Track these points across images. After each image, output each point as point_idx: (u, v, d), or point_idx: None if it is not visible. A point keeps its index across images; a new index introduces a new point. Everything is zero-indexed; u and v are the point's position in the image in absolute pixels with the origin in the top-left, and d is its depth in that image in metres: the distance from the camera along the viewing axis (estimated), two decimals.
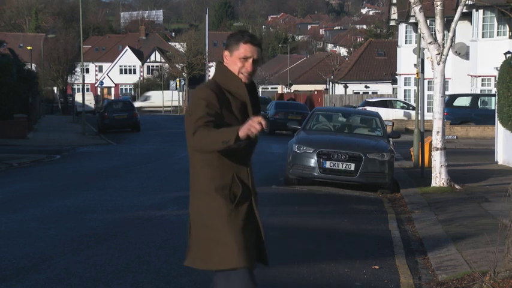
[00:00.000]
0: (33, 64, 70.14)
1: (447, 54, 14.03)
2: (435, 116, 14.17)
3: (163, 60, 36.47)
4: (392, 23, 45.55)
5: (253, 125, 3.80)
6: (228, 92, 4.11)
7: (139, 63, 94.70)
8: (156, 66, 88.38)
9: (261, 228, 4.22)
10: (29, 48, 66.86)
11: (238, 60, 4.10)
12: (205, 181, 4.11)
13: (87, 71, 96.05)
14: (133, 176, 16.48)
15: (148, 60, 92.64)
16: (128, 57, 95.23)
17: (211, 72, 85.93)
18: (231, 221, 4.03)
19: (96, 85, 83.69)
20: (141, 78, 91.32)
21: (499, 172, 16.77)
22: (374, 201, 13.30)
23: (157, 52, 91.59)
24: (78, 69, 64.45)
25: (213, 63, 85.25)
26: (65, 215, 10.53)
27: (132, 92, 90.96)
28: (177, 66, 52.32)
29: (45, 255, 7.74)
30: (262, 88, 72.44)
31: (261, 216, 4.26)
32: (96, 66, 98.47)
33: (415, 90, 26.26)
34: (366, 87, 54.92)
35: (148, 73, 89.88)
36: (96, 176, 16.54)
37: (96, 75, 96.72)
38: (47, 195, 12.81)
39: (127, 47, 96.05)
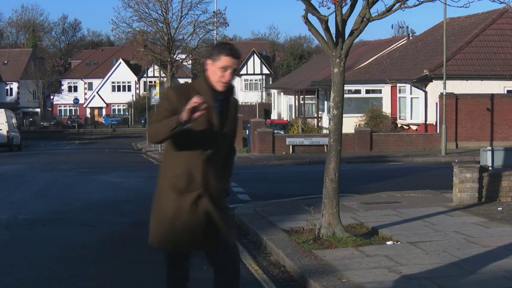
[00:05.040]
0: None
1: None
2: None
3: (163, 75, 35.46)
4: None
5: (191, 103, 4.27)
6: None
7: (135, 78, 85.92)
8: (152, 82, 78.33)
9: (213, 217, 4.63)
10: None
11: (218, 69, 4.61)
12: (161, 172, 4.76)
13: (75, 89, 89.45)
14: None
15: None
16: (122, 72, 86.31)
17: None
18: (157, 208, 4.68)
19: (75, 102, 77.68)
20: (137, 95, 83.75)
21: None
22: None
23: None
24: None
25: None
26: None
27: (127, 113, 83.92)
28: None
29: None
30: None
31: None
32: (85, 83, 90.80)
33: None
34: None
35: (145, 90, 74.37)
36: None
37: (85, 93, 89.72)
38: None
39: (120, 60, 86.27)
